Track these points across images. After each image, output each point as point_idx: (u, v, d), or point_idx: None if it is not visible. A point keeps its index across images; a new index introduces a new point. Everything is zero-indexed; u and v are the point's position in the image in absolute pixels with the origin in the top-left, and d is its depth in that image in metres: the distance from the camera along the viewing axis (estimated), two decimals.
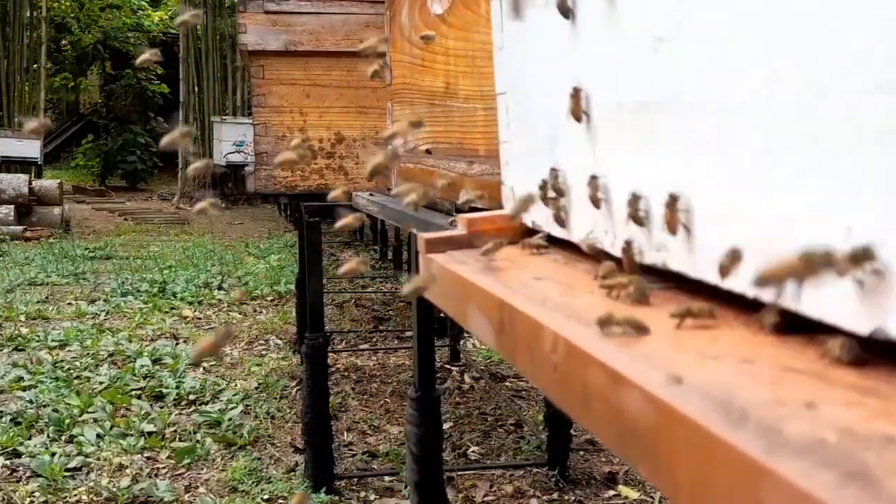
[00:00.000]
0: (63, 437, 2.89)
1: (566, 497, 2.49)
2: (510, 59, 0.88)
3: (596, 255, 0.70)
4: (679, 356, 0.45)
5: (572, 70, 0.73)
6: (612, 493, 2.50)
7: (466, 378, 3.64)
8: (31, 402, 3.23)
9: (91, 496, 2.45)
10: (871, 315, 0.40)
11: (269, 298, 5.49)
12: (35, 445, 2.80)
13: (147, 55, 0.88)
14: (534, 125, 0.84)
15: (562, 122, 0.76)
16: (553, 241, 0.79)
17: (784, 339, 0.46)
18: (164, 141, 0.82)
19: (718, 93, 0.53)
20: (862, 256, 0.40)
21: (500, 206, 0.96)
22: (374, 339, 4.41)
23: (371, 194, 1.90)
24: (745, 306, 0.51)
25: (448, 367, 3.82)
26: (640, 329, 0.51)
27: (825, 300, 0.43)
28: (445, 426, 2.98)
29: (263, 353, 4.15)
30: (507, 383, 3.58)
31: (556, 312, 0.58)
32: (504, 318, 0.63)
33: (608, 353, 0.48)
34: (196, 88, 14.36)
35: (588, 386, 0.48)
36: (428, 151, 1.57)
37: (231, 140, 11.87)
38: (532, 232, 0.86)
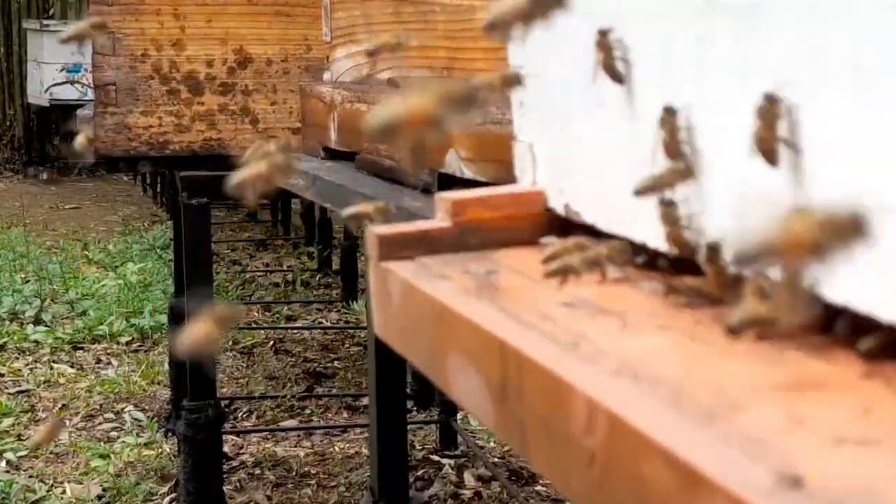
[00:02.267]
0: None
1: None
2: None
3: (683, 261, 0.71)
4: (798, 435, 0.46)
5: None
6: None
7: (468, 477, 3.66)
8: None
9: None
10: None
11: (123, 340, 5.51)
12: None
13: None
14: (567, 35, 0.85)
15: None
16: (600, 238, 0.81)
17: None
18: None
19: None
20: None
21: (511, 177, 0.98)
22: (308, 411, 4.43)
23: (296, 157, 1.91)
24: None
25: (436, 457, 3.84)
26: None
27: None
28: None
29: (113, 434, 4.16)
30: (539, 487, 3.60)
31: (595, 365, 0.59)
32: (508, 373, 0.64)
33: (678, 433, 0.49)
34: None
35: (645, 486, 0.49)
36: (392, 82, 1.58)
37: (58, 63, 11.88)
38: (563, 224, 0.87)
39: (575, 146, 0.84)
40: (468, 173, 1.21)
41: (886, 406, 0.49)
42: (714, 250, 0.66)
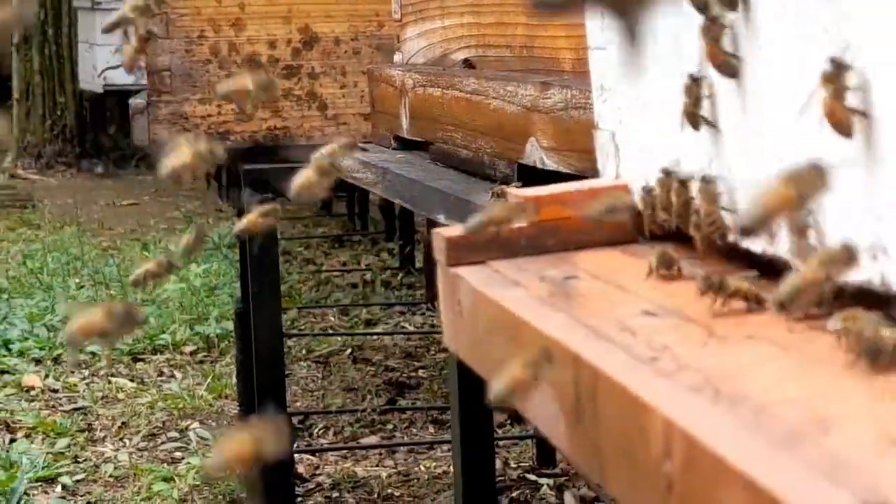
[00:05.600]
0: None
1: None
2: None
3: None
4: (890, 458, 0.46)
5: None
6: None
7: (569, 499, 3.66)
8: None
9: None
10: None
11: (186, 350, 5.56)
12: None
13: None
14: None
15: None
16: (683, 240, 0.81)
17: None
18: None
19: None
20: None
21: (594, 171, 0.99)
22: (390, 426, 4.45)
23: (364, 148, 1.93)
24: None
25: (533, 476, 3.85)
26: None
27: None
28: None
29: (177, 454, 4.21)
30: None
31: (677, 382, 0.60)
32: (582, 391, 0.65)
33: (759, 457, 0.49)
34: None
35: None
36: (468, 63, 1.59)
37: (112, 44, 12.01)
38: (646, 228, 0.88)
39: (659, 135, 0.84)
40: (550, 164, 1.21)
41: None
42: None
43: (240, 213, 3.50)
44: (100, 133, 13.63)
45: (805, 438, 0.51)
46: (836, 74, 0.63)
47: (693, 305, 0.72)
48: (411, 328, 5.73)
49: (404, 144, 1.81)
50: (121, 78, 11.85)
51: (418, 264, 6.47)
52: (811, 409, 0.55)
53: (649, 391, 0.59)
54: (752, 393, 0.57)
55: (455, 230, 0.90)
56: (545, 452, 3.93)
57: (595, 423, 0.64)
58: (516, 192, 0.93)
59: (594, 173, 1.00)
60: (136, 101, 3.12)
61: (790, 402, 0.56)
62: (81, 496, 3.84)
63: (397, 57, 1.91)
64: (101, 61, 12.10)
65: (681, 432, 0.55)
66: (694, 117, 0.77)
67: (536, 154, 1.24)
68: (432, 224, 5.68)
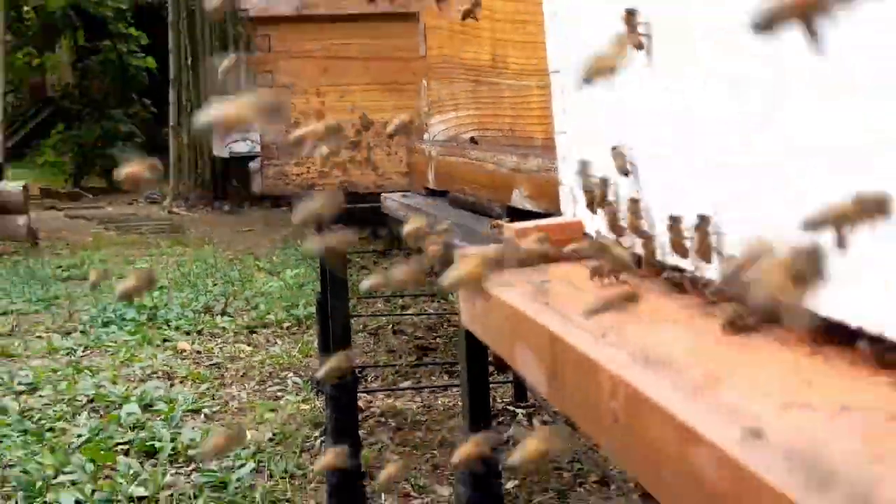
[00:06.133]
0: None
1: None
2: (565, 29, 0.90)
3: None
4: (763, 404, 0.47)
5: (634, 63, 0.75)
6: None
7: (536, 423, 3.65)
8: None
9: None
10: None
11: (285, 325, 5.57)
12: None
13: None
14: (595, 111, 0.86)
15: (629, 106, 0.78)
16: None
17: (886, 375, 0.48)
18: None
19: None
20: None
21: (558, 212, 0.99)
22: (418, 376, 4.45)
23: (404, 195, 1.94)
24: (848, 337, 0.52)
25: (512, 408, 3.84)
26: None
27: None
28: (508, 485, 3.00)
29: (279, 394, 4.21)
30: None
31: (616, 349, 0.60)
32: (556, 358, 0.66)
33: (677, 401, 0.50)
34: (190, 61, 14.59)
35: (653, 442, 0.50)
36: (473, 140, 1.60)
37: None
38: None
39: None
40: (529, 206, 1.22)
41: (824, 380, 0.49)
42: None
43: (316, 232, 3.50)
44: (227, 184, 13.67)
45: (704, 389, 0.51)
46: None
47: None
48: (431, 311, 5.74)
49: (430, 193, 1.82)
50: (240, 148, 11.91)
51: (435, 269, 6.47)
52: (706, 369, 0.55)
53: (600, 356, 0.59)
54: (669, 358, 0.57)
55: (470, 250, 0.91)
56: (520, 392, 3.93)
57: (564, 377, 0.64)
58: (508, 225, 0.93)
59: (558, 213, 1.00)
60: (253, 164, 3.13)
61: (693, 364, 0.56)
62: (216, 421, 3.84)
63: (426, 136, 1.92)
64: (227, 138, 12.12)
65: (623, 383, 0.55)
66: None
67: (519, 200, 1.25)
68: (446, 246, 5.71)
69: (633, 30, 0.71)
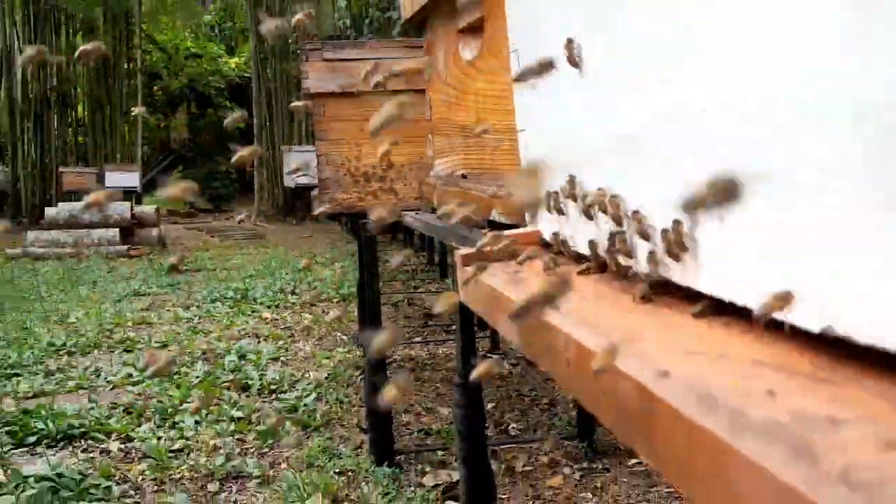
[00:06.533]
0: (167, 424, 2.98)
1: (594, 466, 2.49)
2: (527, 100, 0.91)
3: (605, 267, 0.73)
4: (668, 354, 0.47)
5: (577, 112, 0.75)
6: (634, 461, 2.50)
7: (505, 364, 3.65)
8: (139, 395, 3.34)
9: (192, 473, 2.52)
10: (822, 316, 0.43)
11: (335, 300, 5.57)
12: (144, 431, 2.90)
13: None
14: (549, 158, 0.87)
15: (571, 155, 0.78)
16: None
17: (757, 335, 0.48)
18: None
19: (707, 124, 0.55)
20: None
21: (524, 223, 0.99)
22: (425, 333, 4.45)
23: (417, 213, 1.94)
24: (740, 315, 0.52)
25: (489, 355, 3.85)
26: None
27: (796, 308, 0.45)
28: (488, 406, 3.01)
29: (332, 347, 4.21)
30: (541, 369, 3.59)
31: (568, 317, 0.60)
32: (527, 322, 0.66)
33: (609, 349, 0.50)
34: (267, 122, 14.58)
35: (593, 379, 0.51)
36: (464, 176, 1.60)
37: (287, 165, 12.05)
38: (547, 246, 0.88)
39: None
40: (502, 220, 1.22)
41: (710, 338, 0.49)
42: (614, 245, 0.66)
43: (359, 245, 3.49)
44: (294, 206, 13.66)
45: (631, 342, 0.51)
46: None
47: (576, 283, 0.71)
48: (433, 289, 5.74)
49: (434, 211, 1.81)
50: (303, 181, 11.88)
51: (436, 261, 6.47)
52: (627, 330, 0.55)
53: (557, 321, 0.59)
54: (602, 323, 0.57)
55: (464, 251, 0.90)
56: (495, 342, 3.94)
57: (531, 335, 0.64)
58: (489, 232, 0.92)
59: (524, 225, 1.00)
60: (313, 193, 3.12)
61: (618, 327, 0.56)
62: (288, 366, 3.85)
63: (432, 173, 1.90)
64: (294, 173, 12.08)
65: (573, 339, 0.55)
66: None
67: (496, 216, 1.24)
68: (442, 246, 5.63)
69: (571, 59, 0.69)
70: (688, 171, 0.55)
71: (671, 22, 0.56)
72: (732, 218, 0.48)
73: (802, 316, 0.44)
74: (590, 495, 2.31)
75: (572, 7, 0.73)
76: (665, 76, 0.57)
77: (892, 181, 0.36)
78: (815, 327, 0.43)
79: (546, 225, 0.87)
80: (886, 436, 0.32)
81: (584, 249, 0.74)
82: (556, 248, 0.83)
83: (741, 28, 0.47)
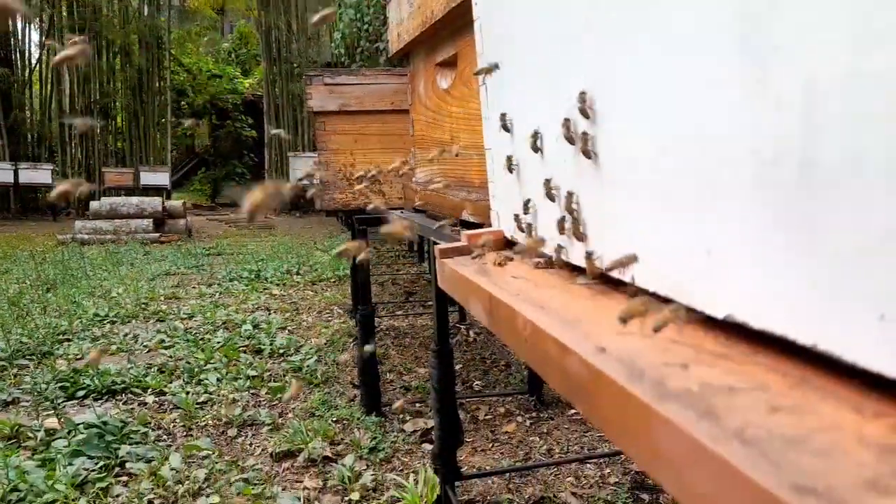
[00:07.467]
0: (194, 381, 2.95)
1: (542, 415, 2.53)
2: (493, 125, 0.92)
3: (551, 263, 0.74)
4: (605, 333, 0.48)
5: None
6: (573, 411, 2.53)
7: (471, 333, 3.67)
8: (170, 357, 3.29)
9: (215, 421, 2.51)
10: (725, 304, 0.44)
11: (332, 280, 5.53)
12: (175, 387, 2.86)
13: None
14: (511, 172, 0.87)
15: (526, 172, 0.79)
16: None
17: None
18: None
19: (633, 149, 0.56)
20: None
21: (490, 224, 1.00)
22: (406, 308, 4.45)
23: (402, 211, 1.93)
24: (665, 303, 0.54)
25: (458, 325, 3.86)
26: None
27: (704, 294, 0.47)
28: (457, 367, 3.03)
29: (329, 319, 4.19)
30: None
31: (525, 302, 0.61)
32: (492, 306, 0.67)
33: (558, 331, 0.51)
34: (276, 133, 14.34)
35: (546, 353, 0.52)
36: (438, 183, 1.59)
37: (302, 169, 11.87)
38: (510, 244, 0.89)
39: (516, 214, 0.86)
40: (471, 220, 1.22)
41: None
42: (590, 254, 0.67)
43: (353, 235, 3.47)
44: (299, 202, 13.48)
45: (576, 324, 0.52)
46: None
47: (530, 275, 0.72)
48: (413, 271, 5.73)
49: (416, 211, 1.80)
50: (307, 182, 11.72)
51: (415, 249, 6.44)
52: (573, 313, 0.55)
53: (516, 305, 0.60)
54: (552, 306, 0.57)
55: (443, 245, 0.91)
56: (462, 315, 3.95)
57: (497, 316, 0.65)
58: (465, 232, 0.92)
59: (489, 225, 1.01)
60: (315, 192, 3.08)
61: (565, 310, 0.56)
62: (293, 333, 3.82)
63: (414, 179, 1.89)
64: (299, 174, 11.90)
65: (529, 321, 0.56)
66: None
67: (466, 216, 1.24)
68: (422, 241, 5.62)
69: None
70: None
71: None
72: (674, 235, 0.49)
73: (711, 305, 0.45)
74: (538, 439, 2.35)
75: (527, 53, 0.74)
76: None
77: (777, 204, 0.37)
78: (719, 314, 0.44)
79: (508, 225, 0.88)
80: (774, 402, 0.34)
81: (548, 250, 0.75)
82: (518, 246, 0.84)
83: (644, 88, 0.48)
